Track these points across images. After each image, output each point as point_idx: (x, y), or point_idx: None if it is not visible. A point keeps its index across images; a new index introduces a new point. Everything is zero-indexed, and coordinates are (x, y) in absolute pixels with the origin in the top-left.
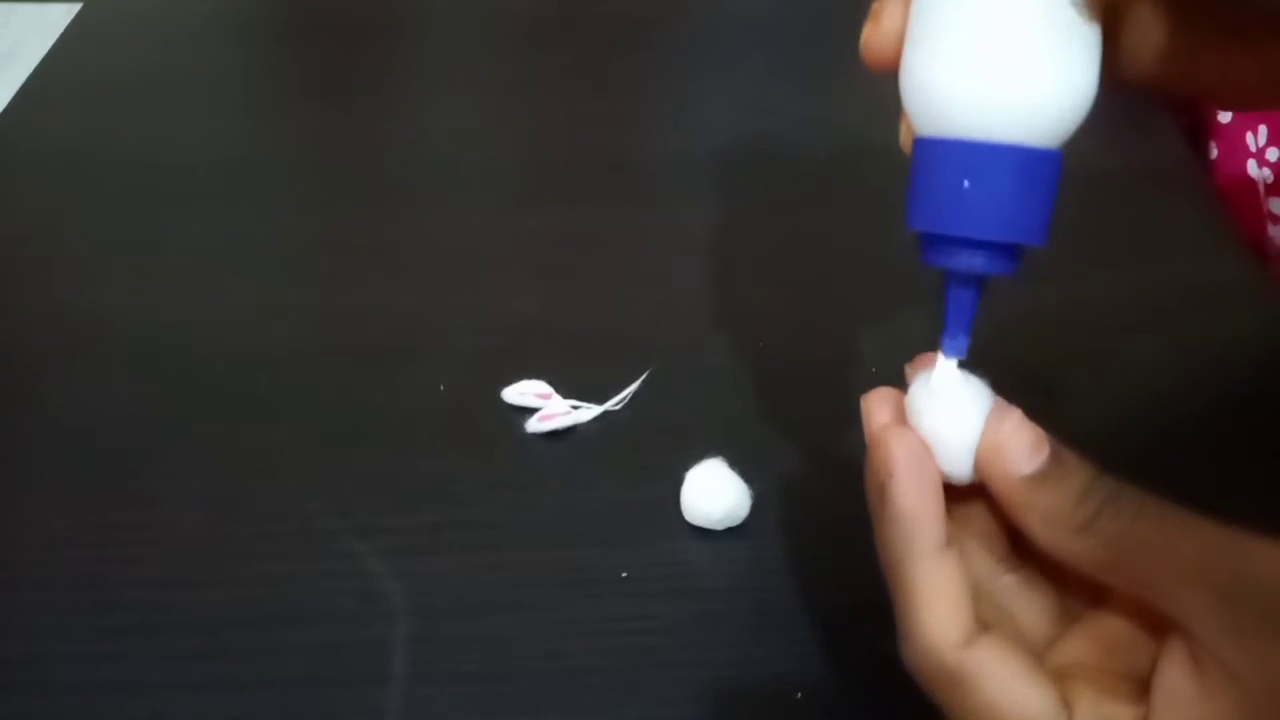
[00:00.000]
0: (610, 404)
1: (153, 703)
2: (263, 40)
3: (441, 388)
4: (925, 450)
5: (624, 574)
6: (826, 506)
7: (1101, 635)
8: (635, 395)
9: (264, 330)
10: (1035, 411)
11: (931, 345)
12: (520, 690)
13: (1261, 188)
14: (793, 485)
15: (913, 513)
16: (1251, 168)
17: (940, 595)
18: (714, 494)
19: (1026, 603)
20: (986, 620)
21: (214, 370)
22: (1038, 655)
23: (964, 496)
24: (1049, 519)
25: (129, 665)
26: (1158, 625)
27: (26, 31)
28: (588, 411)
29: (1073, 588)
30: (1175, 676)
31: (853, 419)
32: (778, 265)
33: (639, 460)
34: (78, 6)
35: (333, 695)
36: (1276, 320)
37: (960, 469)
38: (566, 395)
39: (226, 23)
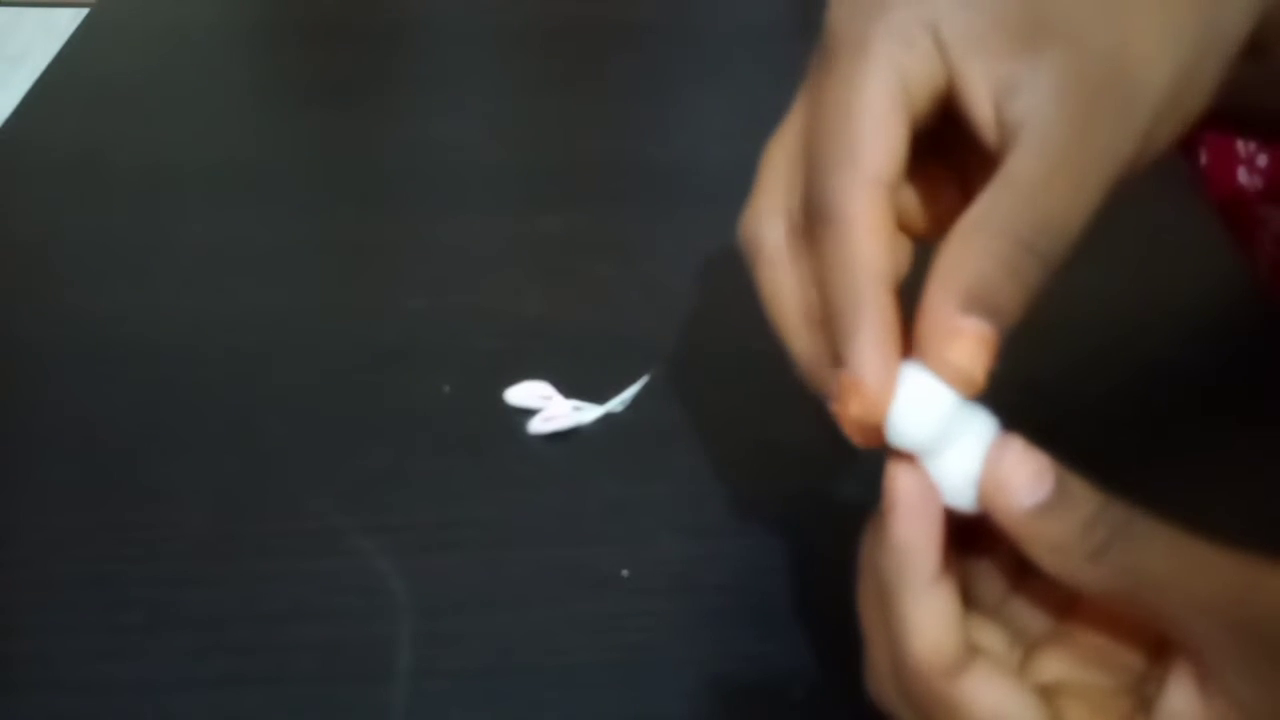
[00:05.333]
0: (612, 405)
1: (159, 699)
2: (268, 45)
3: (445, 389)
4: (929, 484)
5: (625, 572)
6: (827, 504)
7: (1079, 651)
8: (637, 396)
9: (269, 331)
10: (1019, 412)
11: None
12: (522, 686)
13: (1252, 195)
14: (793, 484)
15: (907, 545)
16: (1241, 175)
17: (932, 624)
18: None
19: (989, 631)
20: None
21: (220, 371)
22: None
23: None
24: (1056, 549)
25: (135, 663)
26: (1138, 638)
27: (34, 35)
28: (590, 412)
29: (1031, 610)
30: (1182, 701)
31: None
32: None
33: (640, 460)
34: (85, 10)
35: (338, 691)
36: (1268, 325)
37: (964, 501)
38: (569, 396)
39: (232, 27)
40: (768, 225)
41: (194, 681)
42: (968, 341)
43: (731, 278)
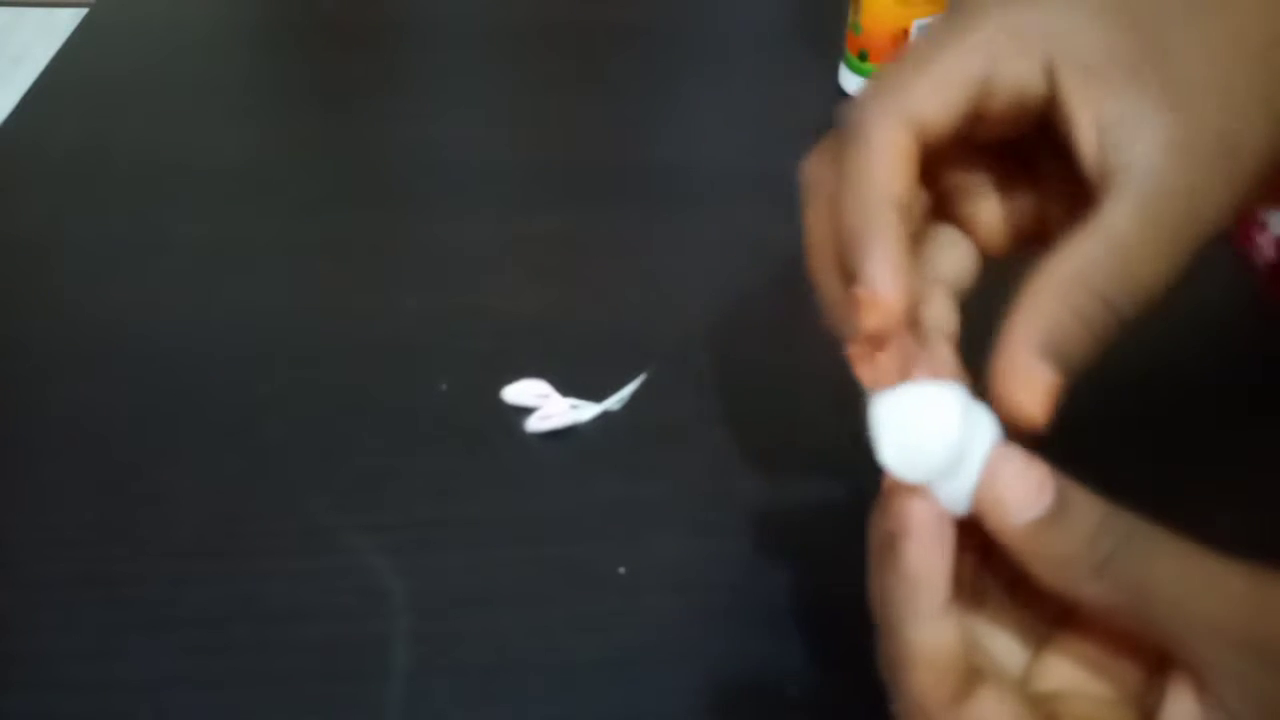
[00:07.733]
0: (609, 403)
1: (156, 698)
2: (267, 45)
3: (443, 387)
4: (942, 511)
5: (622, 570)
6: (826, 503)
7: (1081, 657)
8: (634, 395)
9: (266, 331)
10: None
11: None
12: (519, 684)
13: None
14: (790, 484)
15: (917, 576)
16: None
17: (936, 656)
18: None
19: (997, 629)
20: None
21: (217, 370)
22: (1021, 686)
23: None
24: (1057, 563)
25: (132, 661)
26: (1141, 645)
27: (34, 35)
28: (587, 411)
29: (1037, 606)
30: (1181, 717)
31: (850, 419)
32: (775, 267)
33: (637, 459)
34: (85, 10)
35: (335, 690)
36: (1265, 326)
37: (957, 506)
38: (566, 395)
39: (232, 27)
40: (816, 161)
41: (192, 681)
42: (1038, 386)
43: (730, 277)
